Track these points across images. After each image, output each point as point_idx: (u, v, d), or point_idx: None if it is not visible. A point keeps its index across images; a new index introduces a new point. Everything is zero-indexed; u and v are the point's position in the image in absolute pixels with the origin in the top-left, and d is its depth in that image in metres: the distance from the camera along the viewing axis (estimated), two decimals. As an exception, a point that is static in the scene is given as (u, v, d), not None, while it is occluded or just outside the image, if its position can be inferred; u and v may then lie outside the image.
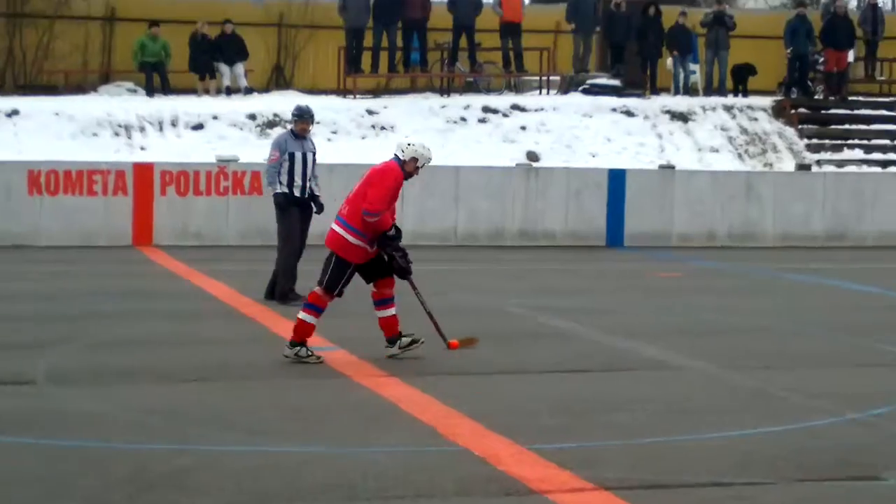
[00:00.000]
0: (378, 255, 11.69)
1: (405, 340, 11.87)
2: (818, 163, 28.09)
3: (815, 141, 29.29)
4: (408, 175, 11.70)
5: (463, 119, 28.01)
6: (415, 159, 11.66)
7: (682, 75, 30.71)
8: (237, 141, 25.47)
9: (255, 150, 24.25)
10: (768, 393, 10.81)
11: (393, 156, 11.72)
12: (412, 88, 30.46)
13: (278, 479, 7.82)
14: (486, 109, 28.34)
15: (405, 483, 7.79)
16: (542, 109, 28.55)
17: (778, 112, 30.13)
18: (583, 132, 28.09)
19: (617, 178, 24.05)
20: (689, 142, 28.49)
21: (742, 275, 20.21)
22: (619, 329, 13.10)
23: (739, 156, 28.41)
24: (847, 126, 30.05)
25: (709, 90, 30.98)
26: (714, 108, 29.72)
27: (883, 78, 33.53)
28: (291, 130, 15.48)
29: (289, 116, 26.36)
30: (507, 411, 9.85)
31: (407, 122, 27.31)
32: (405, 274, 11.78)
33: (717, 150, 28.42)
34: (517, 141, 27.39)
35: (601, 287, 18.06)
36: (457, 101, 28.65)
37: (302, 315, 11.61)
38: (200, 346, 12.61)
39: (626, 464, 8.33)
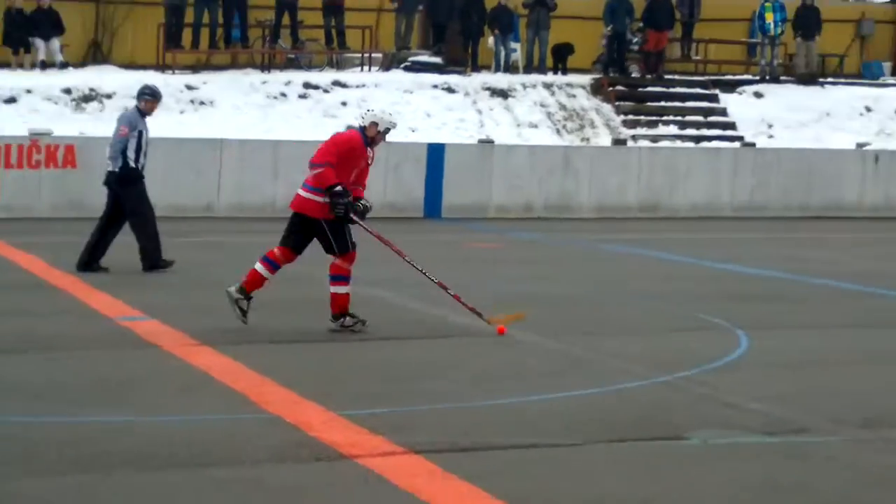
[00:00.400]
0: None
1: (244, 303, 11.74)
2: (634, 138, 28.55)
3: (631, 117, 29.75)
4: (371, 141, 11.75)
5: (283, 95, 27.82)
6: (374, 124, 11.74)
7: (503, 53, 30.92)
8: (51, 115, 24.93)
9: (70, 125, 23.81)
10: (582, 358, 10.98)
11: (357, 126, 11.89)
12: (233, 65, 30.15)
13: (91, 449, 7.70)
14: (307, 85, 28.19)
15: (216, 450, 7.75)
16: (363, 86, 28.49)
17: (596, 89, 30.52)
18: (404, 108, 28.08)
19: (436, 152, 24.13)
20: (508, 118, 28.71)
21: (560, 246, 20.43)
22: (434, 298, 13.13)
23: (558, 131, 28.72)
24: (663, 103, 30.56)
25: (529, 68, 31.26)
26: (534, 86, 29.98)
27: (698, 58, 34.25)
28: (137, 108, 15.65)
29: (105, 91, 26.37)
30: (320, 379, 9.86)
31: (227, 98, 27.05)
32: (355, 219, 11.79)
33: (536, 126, 28.69)
34: (338, 116, 27.26)
35: (418, 257, 17.96)
36: (278, 78, 28.45)
37: (334, 289, 11.77)
38: (8, 317, 12.29)
39: (437, 428, 8.39)
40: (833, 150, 27.81)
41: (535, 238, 21.25)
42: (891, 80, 35.17)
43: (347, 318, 11.80)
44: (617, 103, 30.09)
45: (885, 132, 30.92)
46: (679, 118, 29.89)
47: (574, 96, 30.05)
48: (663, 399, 9.49)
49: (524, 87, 29.84)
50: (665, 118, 29.84)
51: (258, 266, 11.81)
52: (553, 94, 29.95)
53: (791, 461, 7.94)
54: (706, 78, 32.48)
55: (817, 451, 8.21)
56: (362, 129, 11.79)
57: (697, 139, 28.90)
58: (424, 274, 12.33)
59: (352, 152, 11.66)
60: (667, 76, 31.80)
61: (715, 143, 28.40)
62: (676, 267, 17.89)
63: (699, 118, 30.20)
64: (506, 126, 28.31)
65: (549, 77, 30.82)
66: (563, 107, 29.57)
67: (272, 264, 11.85)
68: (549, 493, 7.13)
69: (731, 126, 30.17)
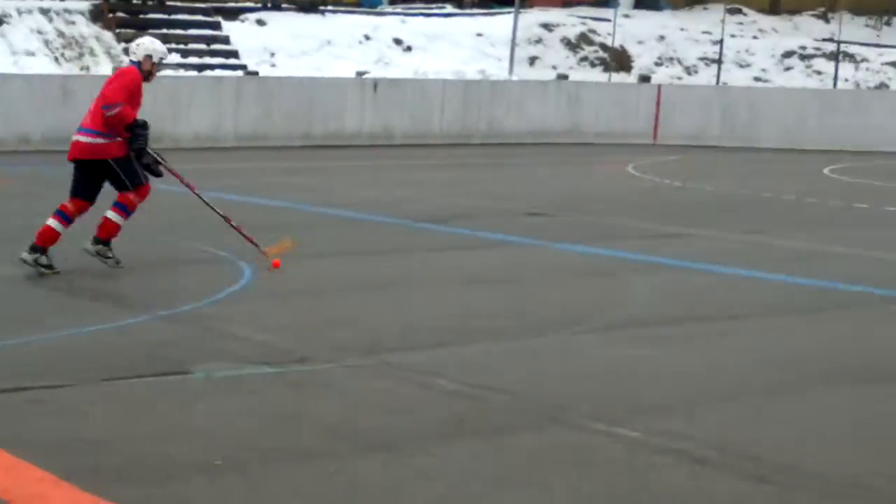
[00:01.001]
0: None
1: (43, 259, 11.32)
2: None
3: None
4: (147, 75, 11.37)
5: None
6: (148, 56, 11.39)
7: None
8: None
9: None
10: (76, 294, 10.70)
11: (129, 62, 11.49)
12: None
13: None
14: None
15: None
16: None
17: (96, 16, 29.83)
18: None
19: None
20: (3, 45, 27.67)
21: (59, 179, 19.79)
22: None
23: (56, 59, 27.90)
24: (165, 31, 30.19)
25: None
26: (30, 11, 28.99)
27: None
28: None
29: None
30: None
31: None
32: (157, 173, 11.69)
33: (33, 54, 27.77)
34: None
35: None
36: None
37: (111, 214, 11.48)
38: None
39: (-77, 375, 7.98)
40: (334, 78, 28.26)
41: (36, 171, 20.57)
42: (388, 10, 36.10)
43: (105, 249, 11.54)
44: (118, 31, 29.51)
45: (383, 61, 31.73)
46: (182, 46, 29.65)
47: (73, 23, 29.28)
48: (166, 334, 9.38)
49: (20, 12, 28.80)
50: (167, 46, 29.48)
51: (51, 221, 11.39)
52: (51, 20, 29.08)
53: (291, 390, 8.02)
54: (209, 5, 32.31)
55: (317, 378, 8.32)
56: (137, 63, 11.41)
57: (200, 68, 28.75)
58: (210, 207, 12.33)
59: (138, 90, 11.38)
60: (168, 3, 31.44)
61: (218, 72, 28.33)
62: (178, 198, 17.62)
63: (202, 46, 30.07)
64: (1, 54, 27.28)
65: (46, 3, 29.87)
66: (61, 34, 28.75)
67: (65, 217, 11.46)
68: (39, 436, 6.87)
69: (234, 54, 30.21)
